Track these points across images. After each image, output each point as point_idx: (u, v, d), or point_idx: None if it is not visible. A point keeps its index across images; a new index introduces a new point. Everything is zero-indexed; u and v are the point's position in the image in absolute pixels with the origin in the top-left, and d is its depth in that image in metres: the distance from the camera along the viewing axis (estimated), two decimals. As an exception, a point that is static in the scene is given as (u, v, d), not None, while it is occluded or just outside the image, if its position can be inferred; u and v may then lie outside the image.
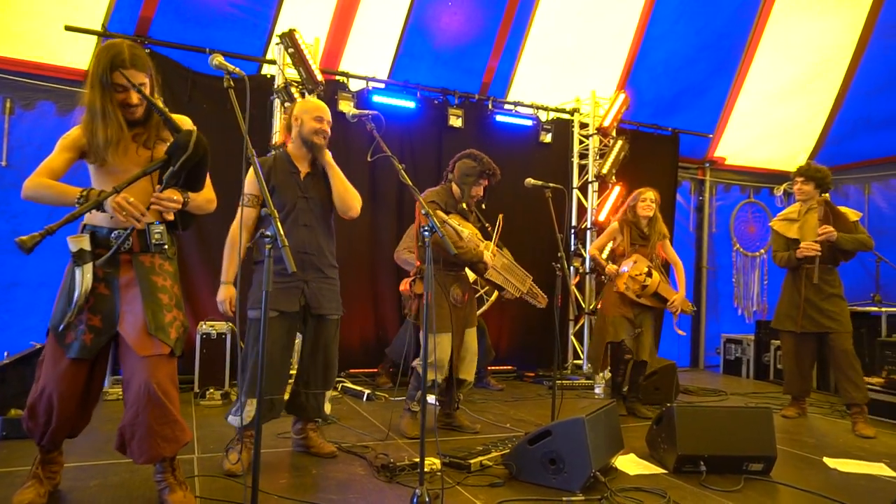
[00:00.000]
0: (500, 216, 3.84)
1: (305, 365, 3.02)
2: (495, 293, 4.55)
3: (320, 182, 3.00)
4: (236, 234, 2.83)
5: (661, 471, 3.04)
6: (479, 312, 4.34)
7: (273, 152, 3.09)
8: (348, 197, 2.96)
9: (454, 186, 3.67)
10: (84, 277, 2.11)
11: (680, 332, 4.76)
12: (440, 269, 3.54)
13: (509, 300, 4.03)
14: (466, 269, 3.73)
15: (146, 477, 2.64)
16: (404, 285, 4.03)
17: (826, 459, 3.35)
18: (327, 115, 2.97)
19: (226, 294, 2.85)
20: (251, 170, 2.71)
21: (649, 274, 4.33)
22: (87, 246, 2.13)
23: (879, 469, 3.21)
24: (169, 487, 2.25)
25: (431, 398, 3.65)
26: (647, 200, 4.46)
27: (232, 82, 1.93)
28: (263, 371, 1.83)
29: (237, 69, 1.95)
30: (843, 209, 4.34)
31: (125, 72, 2.15)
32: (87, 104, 2.19)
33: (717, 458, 2.98)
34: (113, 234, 2.20)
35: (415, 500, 2.26)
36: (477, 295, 4.35)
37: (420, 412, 2.43)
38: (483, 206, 3.82)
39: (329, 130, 2.97)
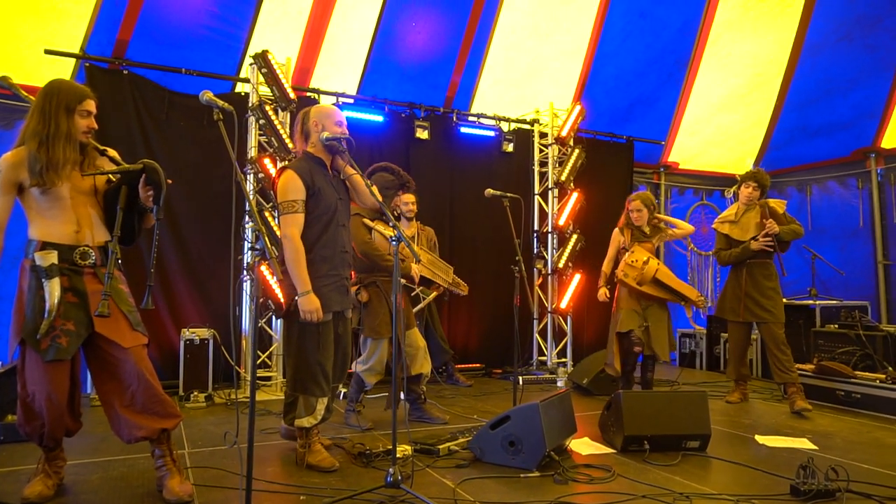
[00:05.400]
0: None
1: None
2: (433, 293, 4.78)
3: (342, 183, 3.12)
4: (299, 243, 2.86)
5: (610, 450, 3.40)
6: (415, 310, 4.49)
7: (298, 157, 3.08)
8: (369, 192, 3.07)
9: None
10: (54, 289, 2.36)
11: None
12: (381, 276, 3.76)
13: (460, 296, 4.21)
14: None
15: (143, 469, 2.90)
16: None
17: (757, 437, 3.74)
18: (345, 120, 3.09)
19: (314, 304, 2.83)
20: (291, 176, 2.87)
21: (647, 262, 4.51)
22: (56, 261, 2.39)
23: (802, 443, 3.62)
24: (169, 473, 2.51)
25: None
26: (635, 211, 4.71)
27: (221, 115, 2.19)
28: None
29: (226, 104, 2.22)
30: (771, 202, 4.77)
31: (90, 101, 2.49)
32: (48, 129, 2.38)
33: (659, 438, 3.35)
34: (76, 251, 2.45)
35: (388, 478, 2.56)
36: (413, 294, 4.49)
37: (391, 403, 2.72)
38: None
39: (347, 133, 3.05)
